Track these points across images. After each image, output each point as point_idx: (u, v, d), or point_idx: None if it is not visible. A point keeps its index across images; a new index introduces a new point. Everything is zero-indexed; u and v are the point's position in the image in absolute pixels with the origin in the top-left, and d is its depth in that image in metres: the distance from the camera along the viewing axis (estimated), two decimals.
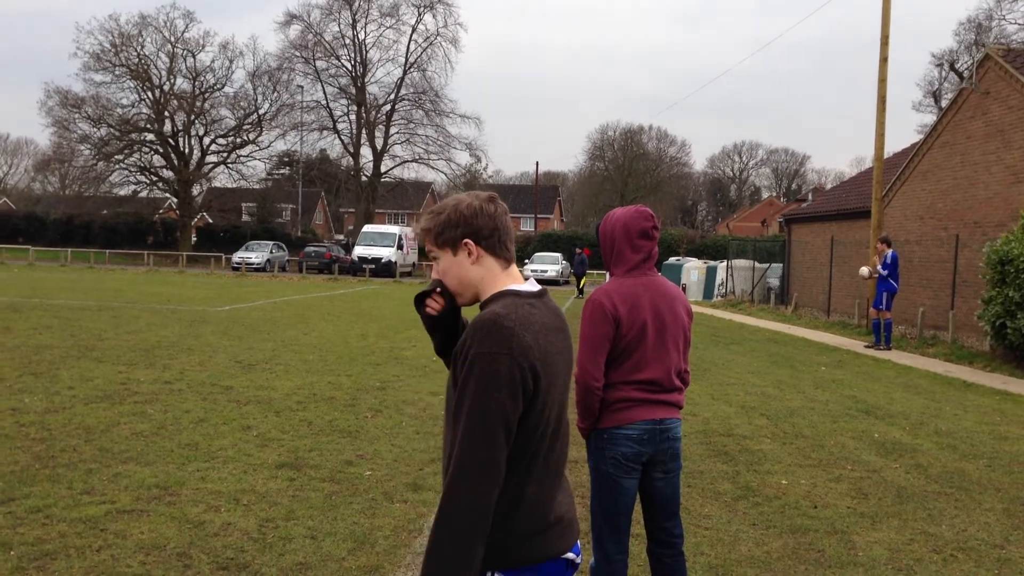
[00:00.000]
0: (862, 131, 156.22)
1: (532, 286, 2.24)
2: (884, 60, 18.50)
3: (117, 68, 52.04)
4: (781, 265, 30.29)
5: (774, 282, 30.33)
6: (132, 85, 52.88)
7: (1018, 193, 16.46)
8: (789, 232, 30.15)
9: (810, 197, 48.52)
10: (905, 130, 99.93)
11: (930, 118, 51.02)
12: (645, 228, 3.62)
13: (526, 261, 45.75)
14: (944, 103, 35.64)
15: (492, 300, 2.20)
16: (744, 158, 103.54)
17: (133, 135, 52.98)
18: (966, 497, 6.33)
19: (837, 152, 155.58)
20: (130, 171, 54.17)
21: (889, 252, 16.05)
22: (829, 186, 64.20)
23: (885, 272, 15.89)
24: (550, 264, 44.84)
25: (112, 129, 52.27)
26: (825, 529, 5.46)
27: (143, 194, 56.29)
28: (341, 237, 66.80)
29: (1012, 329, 13.11)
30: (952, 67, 51.52)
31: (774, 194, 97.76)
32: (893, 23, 18.28)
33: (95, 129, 52.40)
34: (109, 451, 6.54)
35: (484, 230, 2.21)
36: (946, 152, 19.14)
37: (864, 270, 17.00)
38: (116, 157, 52.52)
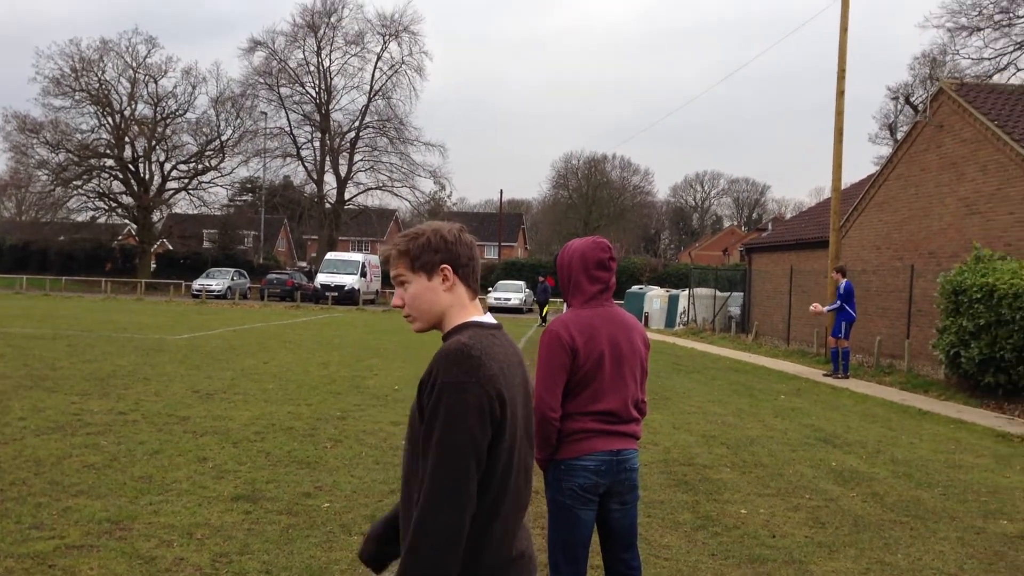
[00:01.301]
0: (821, 162, 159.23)
1: (491, 319, 2.26)
2: (841, 94, 18.91)
3: (77, 93, 51.40)
4: (742, 294, 30.62)
5: (735, 311, 30.62)
6: (92, 110, 52.28)
7: (971, 224, 16.85)
8: (749, 261, 30.54)
9: (770, 227, 49.13)
10: (862, 161, 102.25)
11: (886, 150, 52.07)
12: (602, 259, 3.65)
13: (490, 289, 45.59)
14: (900, 135, 36.41)
15: (456, 331, 2.20)
16: (706, 187, 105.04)
17: (92, 160, 52.26)
18: (921, 526, 6.40)
19: (797, 182, 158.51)
20: (89, 197, 53.39)
21: (843, 282, 16.32)
22: (789, 216, 65.23)
23: (833, 308, 16.31)
24: (513, 292, 44.82)
25: (71, 154, 51.53)
26: (783, 559, 5.49)
27: (102, 220, 55.50)
28: (304, 264, 66.37)
29: (966, 358, 13.33)
30: (907, 100, 52.69)
31: (735, 223, 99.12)
32: (850, 57, 18.71)
33: (53, 154, 51.68)
34: (59, 484, 6.39)
35: (462, 258, 2.24)
36: (901, 184, 19.56)
37: (815, 307, 17.26)
38: (74, 183, 51.72)
